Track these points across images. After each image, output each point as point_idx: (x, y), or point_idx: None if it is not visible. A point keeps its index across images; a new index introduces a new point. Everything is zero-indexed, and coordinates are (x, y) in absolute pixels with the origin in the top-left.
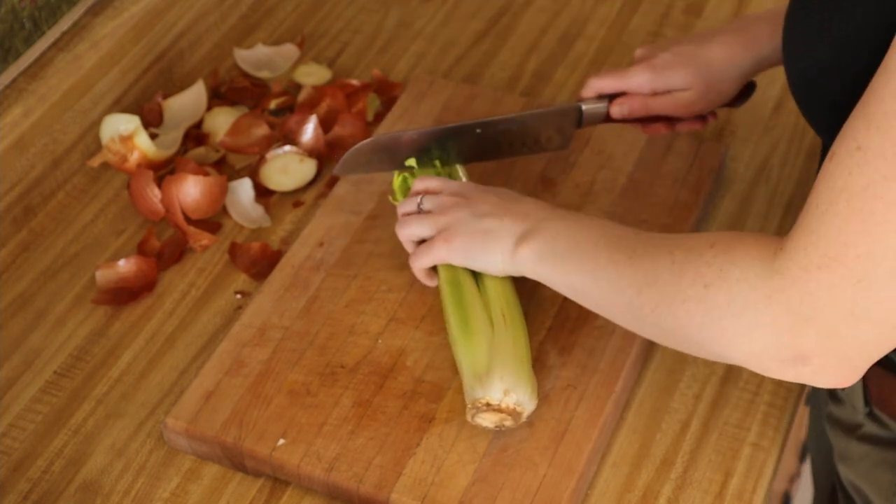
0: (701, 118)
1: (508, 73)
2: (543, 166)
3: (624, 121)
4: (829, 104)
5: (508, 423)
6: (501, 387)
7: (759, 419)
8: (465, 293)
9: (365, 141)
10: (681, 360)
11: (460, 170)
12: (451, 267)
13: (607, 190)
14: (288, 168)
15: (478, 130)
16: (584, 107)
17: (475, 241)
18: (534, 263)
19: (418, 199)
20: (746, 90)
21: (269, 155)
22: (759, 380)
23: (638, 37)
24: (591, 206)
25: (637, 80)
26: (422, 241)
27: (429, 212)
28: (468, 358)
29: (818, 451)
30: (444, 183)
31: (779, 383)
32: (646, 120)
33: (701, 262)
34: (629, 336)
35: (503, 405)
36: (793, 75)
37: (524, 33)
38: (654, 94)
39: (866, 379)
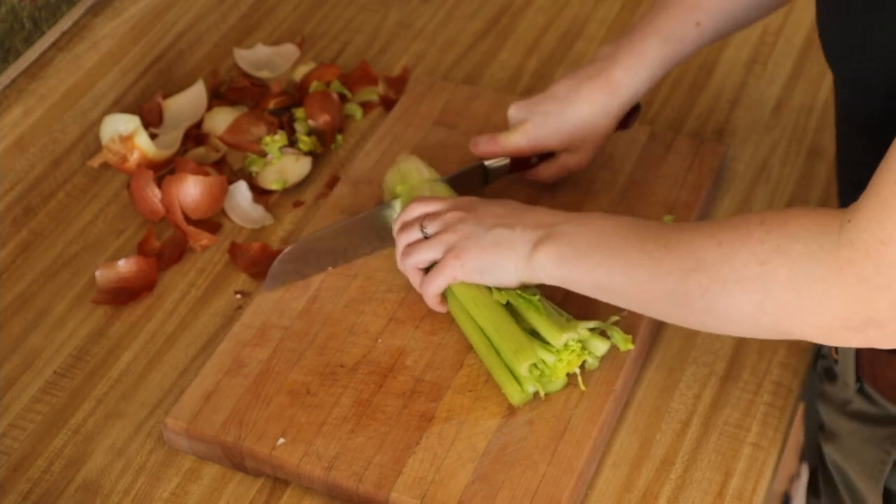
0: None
1: (508, 73)
2: None
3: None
4: (881, 105)
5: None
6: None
7: (759, 419)
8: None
9: (287, 249)
10: (681, 360)
11: (444, 188)
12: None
13: (607, 190)
14: (284, 168)
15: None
16: (487, 164)
17: (487, 253)
18: (554, 266)
19: (418, 225)
20: (633, 112)
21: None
22: (759, 380)
23: None
24: (591, 205)
25: (514, 147)
26: (427, 269)
27: (434, 235)
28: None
29: (810, 442)
30: (443, 202)
31: (779, 383)
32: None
33: (752, 240)
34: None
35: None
36: (840, 79)
37: (524, 33)
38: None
39: (859, 355)
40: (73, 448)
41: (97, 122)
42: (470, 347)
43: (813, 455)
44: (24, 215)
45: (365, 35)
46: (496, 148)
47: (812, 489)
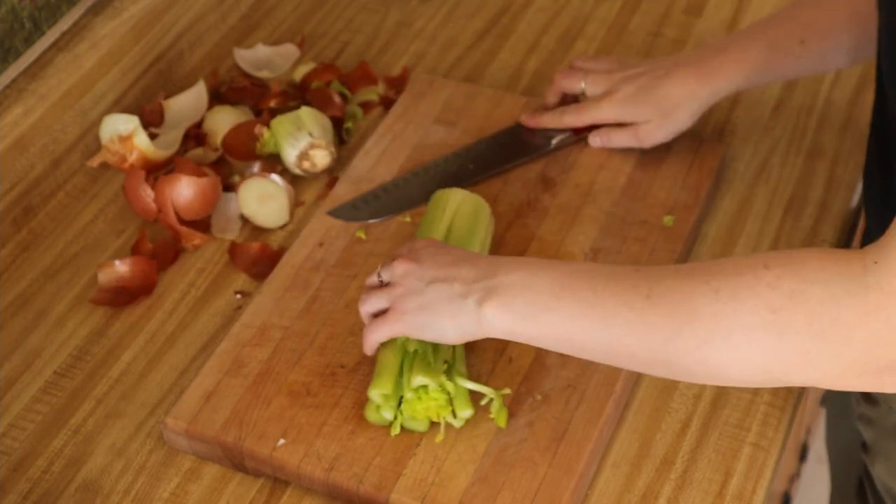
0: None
1: (508, 73)
2: (543, 166)
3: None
4: None
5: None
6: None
7: (759, 419)
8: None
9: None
10: None
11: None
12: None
13: (607, 190)
14: (268, 196)
15: (470, 166)
16: (554, 142)
17: (425, 312)
18: (509, 323)
19: (378, 271)
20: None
21: (247, 175)
22: None
23: (638, 37)
24: (591, 205)
25: (604, 115)
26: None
27: (386, 284)
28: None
29: (839, 450)
30: (405, 246)
31: None
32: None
33: (760, 286)
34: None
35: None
36: None
37: (524, 33)
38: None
39: None
40: (73, 448)
41: (97, 122)
42: (470, 348)
43: (850, 472)
44: (24, 215)
45: (365, 35)
46: (585, 117)
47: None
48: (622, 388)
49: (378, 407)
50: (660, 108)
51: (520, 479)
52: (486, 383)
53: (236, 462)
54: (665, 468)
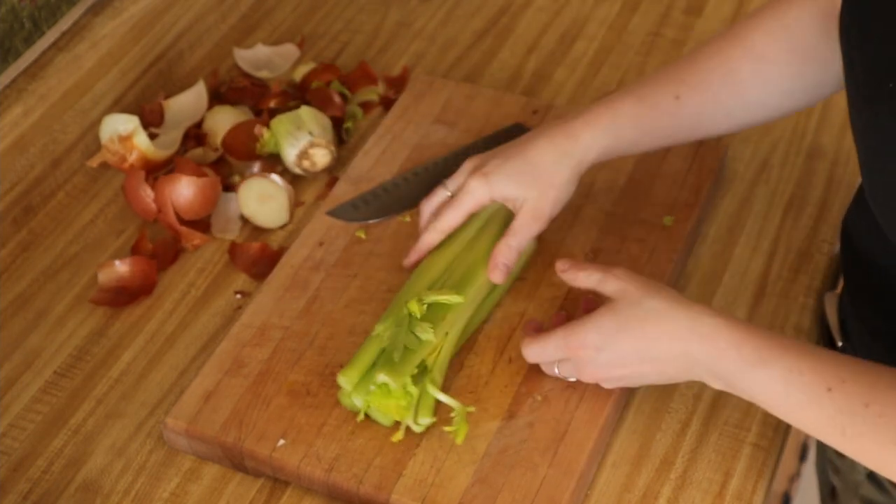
0: None
1: (508, 73)
2: None
3: None
4: None
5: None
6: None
7: (759, 419)
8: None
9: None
10: None
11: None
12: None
13: (607, 190)
14: (268, 196)
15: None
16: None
17: (627, 381)
18: (729, 390)
19: (554, 366)
20: None
21: (247, 175)
22: None
23: (638, 37)
24: (592, 205)
25: (479, 195)
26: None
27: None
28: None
29: (824, 484)
30: (553, 343)
31: None
32: None
33: None
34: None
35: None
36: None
37: (524, 33)
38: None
39: None
40: (73, 448)
41: (97, 122)
42: (469, 348)
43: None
44: (24, 215)
45: (365, 35)
46: (461, 207)
47: None
48: (622, 389)
49: (350, 393)
50: (534, 176)
51: (520, 480)
52: (486, 384)
53: (236, 462)
54: (665, 468)
